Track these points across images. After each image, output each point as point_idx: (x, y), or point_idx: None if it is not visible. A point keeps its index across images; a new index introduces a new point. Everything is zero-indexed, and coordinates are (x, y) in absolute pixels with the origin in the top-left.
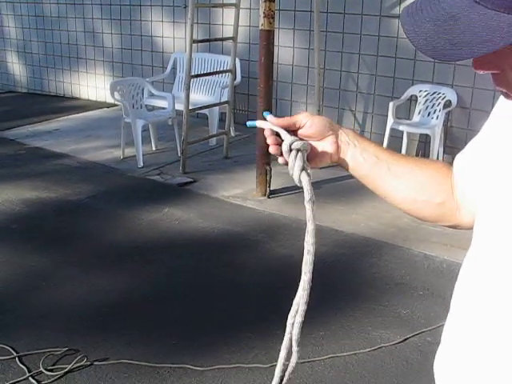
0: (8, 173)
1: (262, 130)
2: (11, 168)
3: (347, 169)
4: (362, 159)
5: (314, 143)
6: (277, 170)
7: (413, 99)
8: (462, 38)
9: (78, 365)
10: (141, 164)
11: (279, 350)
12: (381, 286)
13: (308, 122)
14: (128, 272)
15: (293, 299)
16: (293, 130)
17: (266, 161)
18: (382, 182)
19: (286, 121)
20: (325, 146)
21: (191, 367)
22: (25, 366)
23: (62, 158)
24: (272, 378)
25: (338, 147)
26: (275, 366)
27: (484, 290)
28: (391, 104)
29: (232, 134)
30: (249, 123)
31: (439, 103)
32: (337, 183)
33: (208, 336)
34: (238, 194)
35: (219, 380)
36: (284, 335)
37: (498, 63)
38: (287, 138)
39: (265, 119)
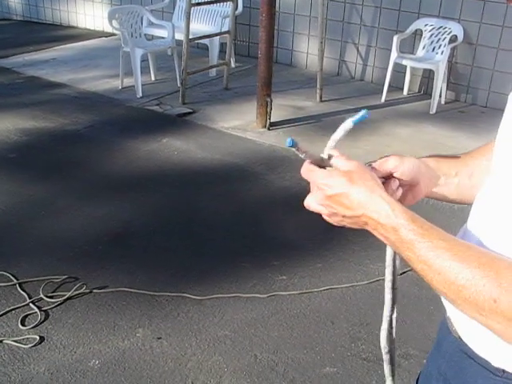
0: (5, 102)
1: (263, 62)
2: (8, 97)
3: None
4: (447, 188)
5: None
6: (277, 101)
7: (418, 33)
8: None
9: (78, 292)
10: (140, 94)
11: (276, 281)
12: None
13: (399, 170)
14: (126, 202)
15: (294, 229)
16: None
17: (266, 92)
18: (467, 192)
19: (379, 173)
20: (417, 189)
21: (189, 296)
22: (25, 292)
23: (59, 87)
24: (269, 309)
25: (428, 186)
26: (272, 296)
27: (500, 214)
28: (395, 38)
29: (232, 65)
30: (289, 142)
31: (445, 38)
32: (338, 116)
33: (206, 266)
34: (238, 126)
35: (217, 309)
36: (280, 266)
37: None
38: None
39: (296, 148)
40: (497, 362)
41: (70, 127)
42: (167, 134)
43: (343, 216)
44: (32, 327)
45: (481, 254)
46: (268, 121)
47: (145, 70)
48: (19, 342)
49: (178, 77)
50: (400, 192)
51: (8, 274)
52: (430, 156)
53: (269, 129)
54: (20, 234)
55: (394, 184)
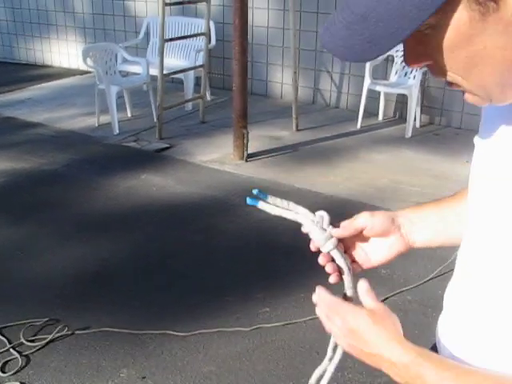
0: None
1: (238, 94)
2: None
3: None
4: (430, 234)
5: (380, 241)
6: (254, 133)
7: (389, 59)
8: (375, 33)
9: (59, 334)
10: (116, 131)
11: (259, 314)
12: None
13: (369, 224)
14: (106, 240)
15: (276, 260)
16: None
17: (242, 124)
18: (453, 233)
19: (346, 230)
20: (392, 243)
21: (173, 333)
22: (5, 337)
23: (35, 127)
24: (254, 342)
25: (403, 239)
26: (256, 329)
27: (488, 257)
28: (368, 64)
29: (208, 97)
30: (249, 201)
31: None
32: (314, 145)
33: (189, 302)
34: (216, 159)
35: (201, 344)
36: (263, 298)
37: (428, 53)
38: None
39: (259, 199)
40: None
41: (47, 167)
42: (145, 169)
43: (360, 351)
44: (12, 373)
45: (484, 379)
46: (245, 152)
47: (121, 106)
48: None
49: (154, 112)
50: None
51: None
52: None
53: (246, 160)
54: None
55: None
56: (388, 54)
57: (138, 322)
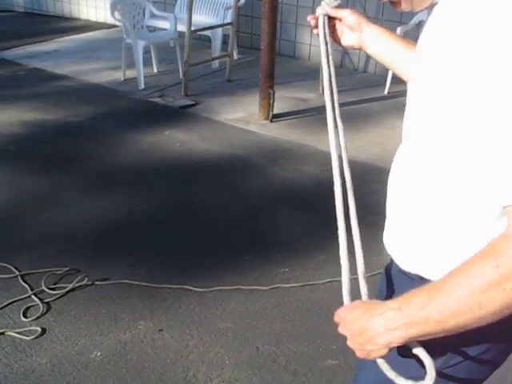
0: (6, 94)
1: (266, 53)
2: (10, 89)
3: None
4: (379, 49)
5: (348, 31)
6: (280, 94)
7: (421, 25)
8: None
9: (79, 284)
10: (142, 86)
11: (278, 274)
12: (382, 213)
13: (346, 17)
14: (129, 194)
15: (297, 222)
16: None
17: (269, 84)
18: (396, 66)
19: (334, 12)
20: (354, 36)
21: (191, 288)
22: (27, 284)
23: (61, 79)
24: (271, 301)
25: (360, 39)
26: (274, 288)
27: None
28: (399, 29)
29: (235, 56)
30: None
31: None
32: (340, 109)
33: (208, 258)
34: (241, 118)
35: (219, 301)
36: (283, 259)
37: None
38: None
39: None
40: (415, 270)
41: (72, 119)
42: (170, 125)
43: (356, 335)
44: (34, 319)
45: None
46: (271, 113)
47: (147, 61)
48: (21, 334)
49: (180, 69)
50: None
51: (10, 266)
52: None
53: (271, 121)
54: (21, 226)
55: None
56: (420, 19)
57: (157, 276)
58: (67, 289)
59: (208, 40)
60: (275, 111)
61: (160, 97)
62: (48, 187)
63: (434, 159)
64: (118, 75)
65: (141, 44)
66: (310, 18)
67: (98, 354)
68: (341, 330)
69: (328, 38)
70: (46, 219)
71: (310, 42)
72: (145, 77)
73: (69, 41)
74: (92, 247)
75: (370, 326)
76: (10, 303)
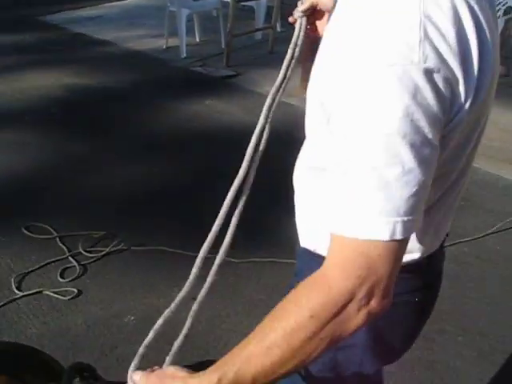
0: (50, 58)
1: (311, 26)
2: (53, 53)
3: None
4: None
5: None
6: None
7: None
8: None
9: (116, 248)
10: (184, 55)
11: None
12: None
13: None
14: (168, 161)
15: None
16: None
17: (310, 57)
18: None
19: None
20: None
21: (226, 258)
22: (65, 246)
23: (104, 45)
24: None
25: None
26: None
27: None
28: None
29: (278, 28)
30: None
31: (499, 9)
32: None
33: (243, 229)
34: None
35: (253, 273)
36: None
37: None
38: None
39: None
40: (315, 249)
41: (114, 85)
42: (211, 95)
43: None
44: (70, 280)
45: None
46: None
47: (190, 30)
48: (58, 294)
49: (222, 39)
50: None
51: (48, 227)
52: None
53: None
54: (60, 188)
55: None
56: None
57: (192, 244)
58: (103, 252)
59: (252, 11)
60: None
61: (201, 66)
62: (88, 151)
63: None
64: (161, 43)
65: (184, 12)
66: (291, 19)
67: (132, 318)
68: None
69: (300, 41)
70: (84, 183)
71: None
72: (187, 46)
73: (112, 7)
74: (129, 213)
75: None
76: (47, 263)
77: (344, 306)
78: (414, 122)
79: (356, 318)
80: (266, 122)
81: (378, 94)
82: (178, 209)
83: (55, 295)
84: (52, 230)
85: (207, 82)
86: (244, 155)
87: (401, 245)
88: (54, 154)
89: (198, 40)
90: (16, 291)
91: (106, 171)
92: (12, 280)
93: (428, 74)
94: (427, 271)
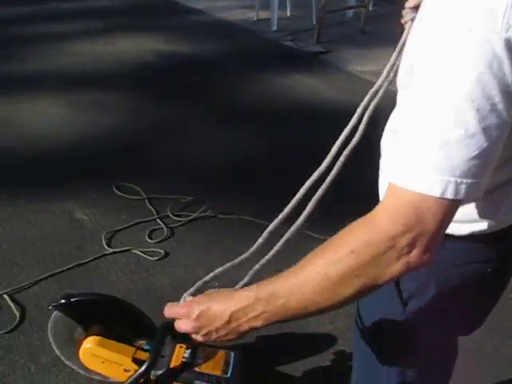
0: (141, 23)
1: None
2: (144, 19)
3: None
4: None
5: None
6: None
7: None
8: None
9: (203, 215)
10: (275, 28)
11: None
12: None
13: None
14: (254, 132)
15: None
16: None
17: None
18: None
19: None
20: None
21: (311, 233)
22: (153, 208)
23: (195, 13)
24: None
25: None
26: None
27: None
28: None
29: (369, 7)
30: None
31: None
32: None
33: (329, 206)
34: (373, 71)
35: None
36: None
37: None
38: None
39: None
40: None
41: (205, 54)
42: (301, 71)
43: (216, 330)
44: (158, 241)
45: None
46: None
47: (281, 3)
48: (146, 254)
49: (313, 14)
50: None
51: (138, 188)
52: None
53: None
54: (150, 152)
55: None
56: None
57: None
58: (191, 217)
59: None
60: None
61: (292, 40)
62: (177, 117)
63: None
64: (251, 15)
65: None
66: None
67: (216, 284)
68: (185, 325)
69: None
70: (173, 148)
71: None
72: (277, 19)
73: None
74: (217, 180)
75: (232, 318)
76: (136, 223)
77: (385, 250)
78: (485, 90)
79: (394, 265)
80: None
81: (455, 57)
82: (265, 180)
83: (143, 255)
84: (141, 192)
85: (297, 56)
86: (334, 134)
87: (452, 205)
88: (143, 117)
89: (288, 14)
90: (106, 247)
91: (195, 138)
92: (102, 236)
93: (508, 44)
94: (503, 244)
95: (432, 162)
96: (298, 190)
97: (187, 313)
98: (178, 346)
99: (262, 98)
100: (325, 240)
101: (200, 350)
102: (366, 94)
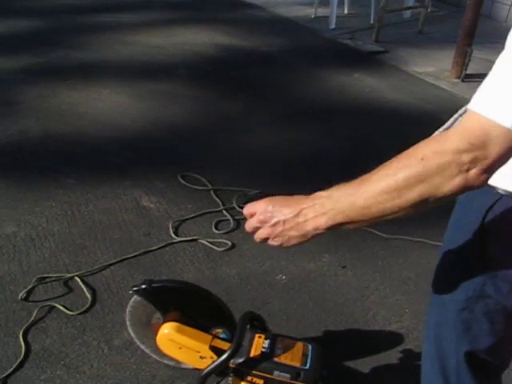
0: (201, 17)
1: (470, 10)
2: (203, 12)
3: None
4: None
5: None
6: (476, 54)
7: None
8: None
9: None
10: (333, 26)
11: None
12: None
13: None
14: (318, 129)
15: None
16: None
17: (467, 42)
18: None
19: None
20: None
21: (376, 232)
22: (219, 199)
23: (253, 8)
24: None
25: None
26: None
27: None
28: None
29: (428, 8)
30: None
31: None
32: None
33: None
34: (431, 72)
35: (402, 250)
36: None
37: None
38: None
39: None
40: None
41: (264, 49)
42: (359, 69)
43: (284, 222)
44: (224, 232)
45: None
46: (464, 72)
47: (339, 1)
48: (213, 244)
49: (372, 13)
50: None
51: (204, 180)
52: None
53: (463, 80)
54: (214, 143)
55: None
56: None
57: None
58: None
59: None
60: (468, 71)
61: (350, 39)
62: (241, 111)
63: None
64: (309, 12)
65: None
66: None
67: (283, 277)
68: (255, 221)
69: None
70: (238, 141)
71: (510, 3)
72: (336, 17)
73: None
74: (282, 175)
75: (301, 213)
76: (203, 213)
77: (450, 162)
78: None
79: (454, 179)
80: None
81: None
82: (328, 177)
83: (210, 245)
84: (207, 182)
85: (355, 55)
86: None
87: None
88: (207, 109)
89: (346, 12)
90: (173, 236)
91: (258, 132)
92: (170, 225)
93: None
94: None
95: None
96: None
97: (265, 205)
98: (257, 335)
99: (322, 95)
100: (390, 239)
101: (279, 340)
102: (425, 95)
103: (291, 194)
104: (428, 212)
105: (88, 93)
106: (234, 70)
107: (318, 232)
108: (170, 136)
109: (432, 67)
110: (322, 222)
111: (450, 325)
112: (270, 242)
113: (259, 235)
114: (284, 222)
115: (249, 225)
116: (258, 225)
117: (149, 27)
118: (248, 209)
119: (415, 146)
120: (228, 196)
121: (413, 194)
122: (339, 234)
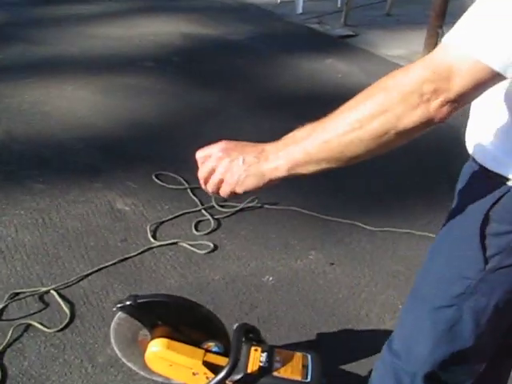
0: (164, 5)
1: None
2: (166, 1)
3: None
4: None
5: None
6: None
7: None
8: None
9: (249, 205)
10: (300, 10)
11: None
12: None
13: None
14: (290, 116)
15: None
16: None
17: (438, 23)
18: None
19: None
20: None
21: (362, 225)
22: (197, 198)
23: None
24: None
25: None
26: None
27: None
28: None
29: None
30: None
31: None
32: None
33: (380, 197)
34: (402, 55)
35: (389, 242)
36: None
37: None
38: None
39: None
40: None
41: (232, 37)
42: (330, 55)
43: (244, 158)
44: (205, 234)
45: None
46: None
47: None
48: (194, 247)
49: None
50: None
51: (180, 178)
52: None
53: None
54: (189, 140)
55: None
56: None
57: (327, 208)
58: (237, 208)
59: None
60: None
61: (318, 23)
62: (213, 103)
63: None
64: None
65: None
66: None
67: (270, 278)
68: (213, 159)
69: None
70: (212, 135)
71: None
72: (302, 1)
73: None
74: None
75: (264, 151)
76: (181, 214)
77: (411, 91)
78: None
79: (414, 111)
80: None
81: None
82: None
83: (191, 248)
84: (183, 181)
85: (324, 40)
86: None
87: (488, 76)
88: (177, 102)
89: None
90: (152, 240)
91: (231, 123)
92: (147, 228)
93: None
94: None
95: (489, 35)
96: (350, 181)
97: (225, 144)
98: (253, 348)
99: (292, 82)
100: (377, 231)
101: (276, 352)
102: None
103: (274, 189)
104: (414, 202)
105: (50, 90)
106: (203, 61)
107: (277, 175)
108: (140, 133)
109: (403, 49)
110: (283, 161)
111: (428, 325)
112: (224, 186)
113: (214, 179)
114: (244, 159)
115: (204, 168)
116: (215, 164)
117: (111, 18)
118: (203, 151)
119: (379, 80)
120: (205, 194)
121: (374, 125)
122: (323, 227)
